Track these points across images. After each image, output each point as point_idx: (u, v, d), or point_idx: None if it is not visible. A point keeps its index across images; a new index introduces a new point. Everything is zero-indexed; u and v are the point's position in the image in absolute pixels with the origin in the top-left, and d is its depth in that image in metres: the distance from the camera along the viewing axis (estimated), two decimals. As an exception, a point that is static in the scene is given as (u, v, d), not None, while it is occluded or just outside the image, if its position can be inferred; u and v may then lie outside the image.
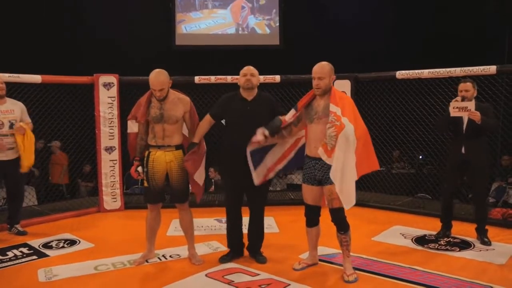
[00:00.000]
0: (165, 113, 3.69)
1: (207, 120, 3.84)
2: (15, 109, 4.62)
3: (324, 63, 3.52)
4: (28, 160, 4.64)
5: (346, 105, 3.39)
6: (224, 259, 3.94)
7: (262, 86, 5.06)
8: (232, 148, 3.76)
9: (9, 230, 4.82)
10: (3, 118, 4.52)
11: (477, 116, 4.05)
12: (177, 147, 3.77)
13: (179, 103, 3.76)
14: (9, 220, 4.83)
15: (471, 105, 4.09)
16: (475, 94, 4.26)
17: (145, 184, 3.83)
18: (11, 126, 4.56)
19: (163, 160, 3.73)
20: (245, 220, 3.98)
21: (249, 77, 3.71)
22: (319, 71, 3.47)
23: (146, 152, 3.80)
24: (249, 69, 3.76)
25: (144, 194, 4.02)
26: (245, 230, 4.02)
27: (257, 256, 3.96)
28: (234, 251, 4.02)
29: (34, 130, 4.93)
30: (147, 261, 3.95)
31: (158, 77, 3.65)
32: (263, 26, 11.64)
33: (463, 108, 4.11)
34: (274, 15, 11.57)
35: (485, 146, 4.35)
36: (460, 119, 4.26)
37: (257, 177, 3.69)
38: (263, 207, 3.96)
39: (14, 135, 4.57)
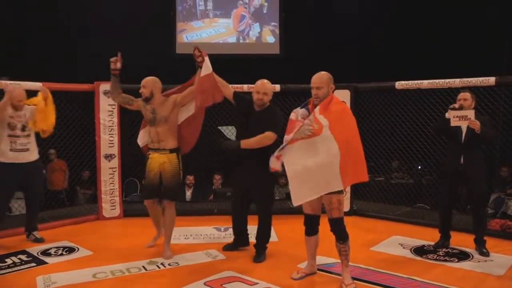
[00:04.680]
0: (157, 116, 4.13)
1: (231, 89, 4.26)
2: (26, 113, 4.65)
3: (322, 73, 3.54)
4: (45, 123, 4.69)
5: (335, 115, 3.39)
6: (226, 247, 4.43)
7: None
8: (235, 159, 4.20)
9: (27, 237, 4.82)
10: (18, 122, 4.57)
11: (477, 125, 4.07)
12: (171, 151, 4.18)
13: (166, 101, 4.18)
14: (27, 227, 4.84)
15: (471, 113, 4.10)
16: (473, 105, 4.28)
17: (143, 181, 4.31)
18: (23, 128, 4.59)
19: (157, 161, 4.15)
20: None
21: (261, 96, 4.01)
22: (318, 81, 3.49)
23: (147, 154, 4.26)
24: (263, 87, 4.03)
25: (141, 190, 4.37)
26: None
27: (256, 254, 4.19)
28: (237, 240, 4.44)
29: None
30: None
31: (147, 77, 4.19)
32: (263, 35, 11.69)
33: (463, 116, 4.11)
34: (274, 25, 11.63)
35: (482, 157, 4.37)
36: (459, 128, 4.28)
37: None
38: (266, 206, 4.20)
39: (27, 137, 4.61)
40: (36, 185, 4.79)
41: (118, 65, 4.16)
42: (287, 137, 3.48)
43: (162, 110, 4.13)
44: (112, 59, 4.17)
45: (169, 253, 4.23)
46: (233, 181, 4.41)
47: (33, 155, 4.69)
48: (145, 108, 4.20)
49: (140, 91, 4.18)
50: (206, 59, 4.10)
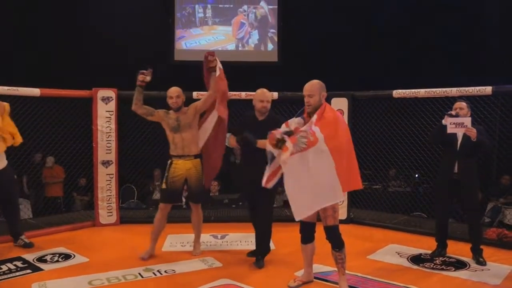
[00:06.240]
0: (181, 123, 4.35)
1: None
2: None
3: (314, 81, 3.58)
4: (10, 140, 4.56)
5: (328, 122, 3.40)
6: (250, 254, 4.46)
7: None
8: (245, 160, 4.47)
9: (15, 242, 4.77)
10: None
11: (473, 133, 4.09)
12: (196, 156, 4.45)
13: (188, 110, 4.43)
14: (12, 233, 4.78)
15: (468, 121, 4.12)
16: (468, 115, 4.30)
17: (163, 186, 4.45)
18: None
19: (183, 167, 4.39)
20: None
21: (265, 104, 4.19)
22: (309, 88, 3.54)
23: (169, 160, 4.44)
24: (264, 95, 4.21)
25: (161, 194, 4.63)
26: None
27: (256, 259, 4.25)
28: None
29: (32, 142, 4.91)
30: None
31: (175, 87, 4.41)
32: (262, 43, 11.74)
33: (460, 124, 4.13)
34: (273, 32, 11.68)
35: (476, 166, 4.38)
36: (454, 136, 4.29)
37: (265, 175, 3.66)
38: (267, 212, 4.25)
39: None
40: (8, 191, 4.68)
41: (148, 78, 4.31)
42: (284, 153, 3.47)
43: (185, 117, 4.38)
44: (144, 72, 4.32)
45: (198, 250, 4.60)
46: (243, 188, 4.56)
47: (0, 163, 4.58)
48: (168, 117, 4.40)
49: (172, 101, 4.34)
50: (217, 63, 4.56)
